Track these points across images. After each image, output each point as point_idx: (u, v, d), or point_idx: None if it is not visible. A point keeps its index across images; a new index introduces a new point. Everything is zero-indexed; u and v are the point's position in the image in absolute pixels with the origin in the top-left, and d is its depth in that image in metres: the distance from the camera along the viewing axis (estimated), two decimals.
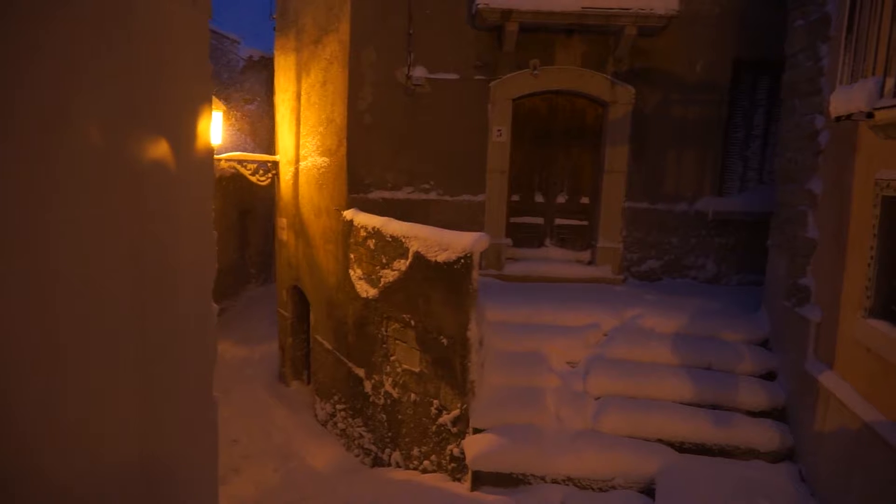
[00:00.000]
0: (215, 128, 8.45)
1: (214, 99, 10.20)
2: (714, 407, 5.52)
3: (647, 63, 7.27)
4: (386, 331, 6.37)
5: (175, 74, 2.34)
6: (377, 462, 6.70)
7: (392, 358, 6.31)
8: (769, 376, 5.80)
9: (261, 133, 13.32)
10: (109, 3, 1.89)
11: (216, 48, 12.25)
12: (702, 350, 5.91)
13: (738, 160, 7.59)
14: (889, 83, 2.94)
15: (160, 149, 2.23)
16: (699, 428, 5.33)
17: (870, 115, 3.08)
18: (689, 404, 5.54)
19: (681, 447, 5.31)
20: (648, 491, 5.00)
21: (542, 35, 7.14)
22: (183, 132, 2.44)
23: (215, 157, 8.77)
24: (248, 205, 12.84)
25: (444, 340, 5.64)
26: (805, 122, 5.45)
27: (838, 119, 3.35)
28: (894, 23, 3.00)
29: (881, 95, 2.98)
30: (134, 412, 2.15)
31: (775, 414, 5.51)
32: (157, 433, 2.31)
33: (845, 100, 3.23)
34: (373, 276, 6.54)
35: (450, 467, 5.67)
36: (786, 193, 5.86)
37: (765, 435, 5.30)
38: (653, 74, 7.29)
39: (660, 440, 5.33)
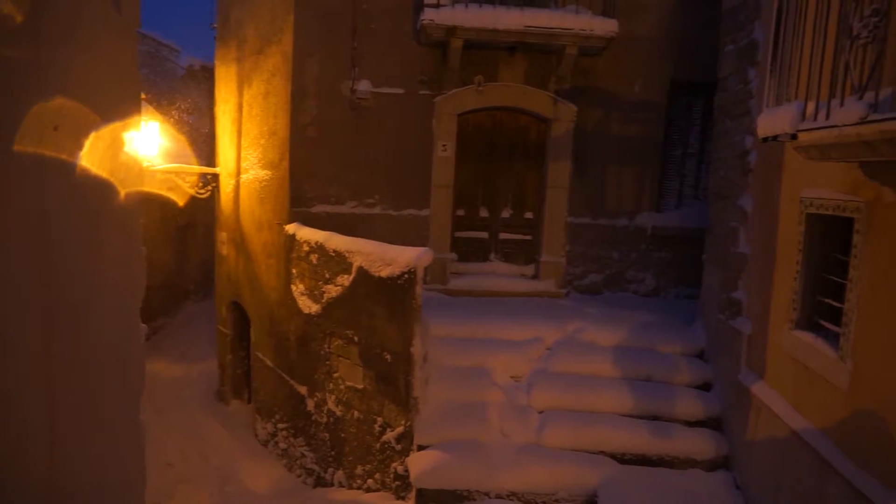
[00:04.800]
0: (151, 138, 8.16)
1: (152, 109, 9.87)
2: (654, 418, 5.64)
3: (589, 82, 7.45)
4: (329, 347, 6.25)
5: (96, 80, 2.23)
6: (320, 482, 6.53)
7: (335, 375, 6.19)
8: (706, 387, 5.97)
9: (201, 144, 12.96)
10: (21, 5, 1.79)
11: (154, 56, 11.89)
12: (642, 362, 6.03)
13: (675, 177, 7.85)
14: (810, 107, 3.08)
15: (77, 157, 2.11)
16: (640, 439, 5.43)
17: (794, 137, 3.22)
18: (630, 416, 5.64)
19: (622, 459, 5.38)
20: (591, 503, 5.04)
21: (486, 52, 7.22)
22: (105, 141, 2.32)
23: (152, 168, 8.46)
24: (188, 218, 12.43)
25: (388, 356, 5.57)
26: (736, 142, 5.69)
27: (765, 140, 3.50)
28: (814, 50, 3.16)
29: (803, 118, 3.13)
30: (42, 442, 2.00)
31: (711, 423, 5.67)
32: (72, 462, 2.17)
33: (771, 122, 3.37)
34: (315, 292, 6.41)
35: (394, 486, 5.58)
36: (719, 210, 6.09)
37: (702, 444, 5.44)
38: (594, 93, 7.47)
39: (602, 452, 5.39)
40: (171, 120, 12.20)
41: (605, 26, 6.79)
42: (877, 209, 3.48)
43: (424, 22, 6.68)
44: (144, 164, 7.55)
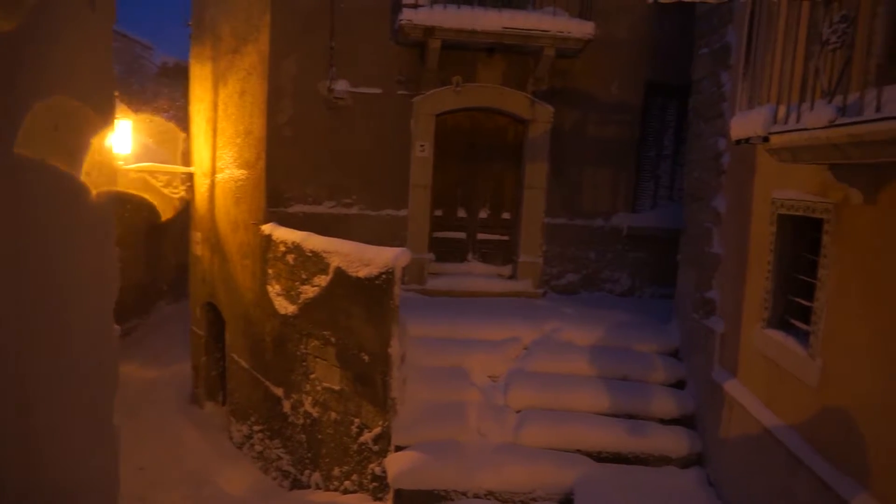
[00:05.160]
0: (124, 137, 8.02)
1: (124, 107, 9.69)
2: (630, 416, 5.71)
3: (566, 83, 7.51)
4: (305, 348, 6.20)
5: (70, 78, 2.19)
6: (296, 484, 6.48)
7: (312, 376, 6.14)
8: (680, 385, 6.06)
9: (175, 143, 12.76)
10: None
11: (127, 54, 11.69)
12: (618, 361, 6.10)
13: (651, 178, 7.95)
14: (782, 110, 3.15)
15: (50, 156, 2.07)
16: (616, 437, 5.49)
17: (765, 139, 3.29)
18: (606, 415, 5.70)
19: (598, 457, 5.44)
20: (567, 501, 5.08)
21: (464, 53, 7.24)
22: (79, 140, 2.28)
23: (125, 167, 8.32)
24: (162, 218, 12.23)
25: (366, 357, 5.55)
26: (709, 144, 5.78)
27: (738, 142, 3.56)
28: (785, 55, 3.23)
29: (775, 121, 3.19)
30: (15, 445, 1.96)
31: (686, 421, 5.76)
32: (45, 467, 2.12)
33: (744, 124, 3.44)
34: (292, 292, 6.36)
35: (371, 487, 5.56)
36: (693, 211, 6.18)
37: (676, 442, 5.52)
38: (571, 94, 7.54)
39: (578, 451, 5.44)
40: (144, 118, 11.99)
41: (582, 28, 6.85)
42: (845, 211, 3.57)
43: (402, 22, 6.67)
44: (118, 163, 7.41)
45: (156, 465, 7.18)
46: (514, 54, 7.30)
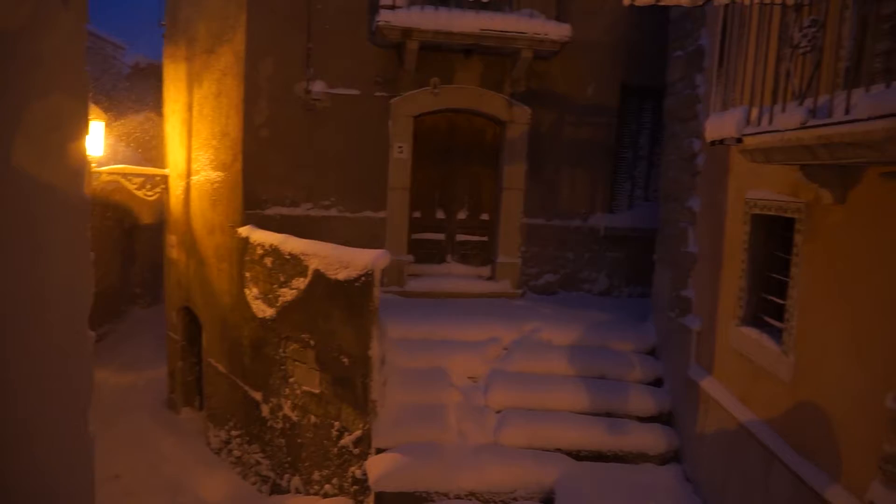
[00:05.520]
0: (96, 138, 7.87)
1: (96, 108, 9.52)
2: (608, 415, 5.76)
3: (543, 85, 7.56)
4: (284, 352, 6.15)
5: (40, 78, 2.14)
6: (276, 489, 6.42)
7: (291, 380, 6.09)
8: (657, 383, 6.14)
9: (149, 145, 12.56)
10: None
11: (98, 53, 11.48)
12: (596, 360, 6.16)
13: (627, 179, 8.04)
14: (754, 112, 3.21)
15: (22, 158, 2.02)
16: (594, 436, 5.54)
17: (739, 141, 3.35)
18: (585, 413, 5.75)
19: (578, 455, 5.48)
20: (548, 500, 5.12)
21: (442, 54, 7.25)
22: (52, 142, 2.23)
23: (97, 169, 8.16)
24: (135, 221, 12.04)
25: (346, 360, 5.53)
26: (684, 145, 5.87)
27: (713, 143, 3.62)
28: (758, 58, 3.30)
29: (748, 123, 3.25)
30: None
31: (663, 418, 5.83)
32: (17, 477, 2.07)
33: (718, 126, 3.50)
34: (270, 296, 6.30)
35: (352, 490, 5.53)
36: (669, 211, 6.27)
37: (654, 439, 5.59)
38: (548, 96, 7.59)
39: (558, 450, 5.47)
40: (117, 119, 11.79)
41: (558, 31, 6.90)
42: (816, 210, 3.65)
43: (380, 23, 6.66)
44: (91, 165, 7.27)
45: (131, 473, 7.05)
46: (492, 56, 7.33)
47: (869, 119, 2.20)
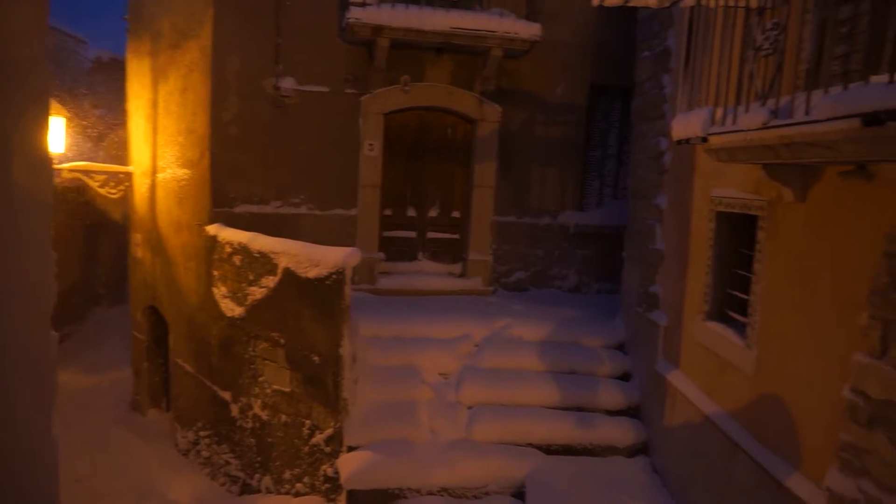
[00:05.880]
0: (57, 135, 7.67)
1: (57, 103, 9.26)
2: (578, 409, 5.85)
3: (514, 84, 7.61)
4: (254, 351, 6.08)
5: (2, 73, 2.09)
6: (246, 489, 6.35)
7: (261, 379, 6.03)
8: (626, 377, 6.25)
9: (112, 142, 12.27)
10: None
11: (59, 48, 11.16)
12: (566, 356, 6.23)
13: (596, 177, 8.16)
14: (719, 112, 3.30)
15: None
16: (565, 430, 5.62)
17: (704, 140, 3.43)
18: (556, 408, 5.82)
19: (549, 449, 5.55)
20: (520, 494, 5.17)
21: (413, 52, 7.24)
22: (12, 139, 2.17)
23: (58, 167, 7.95)
24: (98, 219, 11.73)
25: (316, 358, 5.49)
26: (652, 144, 5.98)
27: (679, 142, 3.70)
28: (722, 59, 3.38)
29: (713, 123, 3.34)
30: None
31: (631, 412, 5.94)
32: None
33: (684, 125, 3.58)
34: (239, 294, 6.23)
35: (324, 488, 5.51)
36: (637, 209, 6.38)
37: (623, 432, 5.69)
38: (518, 95, 7.65)
39: (529, 444, 5.54)
40: (78, 115, 11.48)
41: (528, 30, 6.96)
42: (778, 208, 3.76)
43: (350, 20, 6.62)
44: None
45: (95, 477, 6.89)
46: (463, 54, 7.35)
47: (827, 120, 2.28)
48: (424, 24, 6.72)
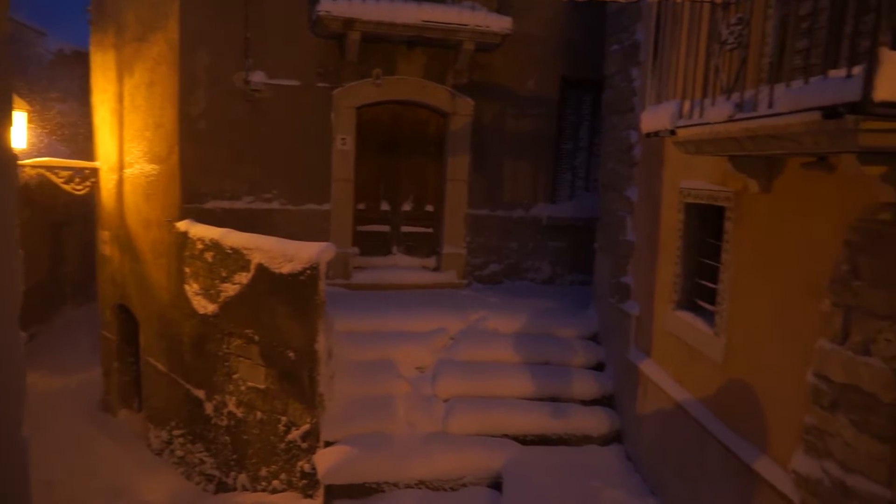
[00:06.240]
0: (18, 130, 7.46)
1: (17, 98, 9.00)
2: (553, 399, 5.92)
3: (486, 77, 7.63)
4: (228, 348, 6.03)
5: None
6: (221, 487, 6.30)
7: (235, 376, 5.98)
8: (599, 367, 6.34)
9: (76, 136, 11.97)
10: None
11: (17, 40, 10.83)
12: (540, 347, 6.30)
13: (568, 170, 8.23)
14: (686, 105, 3.36)
15: None
16: (540, 421, 5.69)
17: (673, 133, 3.50)
18: (531, 399, 5.88)
19: (524, 440, 5.62)
20: (496, 485, 5.23)
21: (385, 45, 7.21)
22: None
23: (19, 163, 7.72)
24: (63, 216, 11.46)
25: (292, 354, 5.47)
26: (622, 137, 6.06)
27: (648, 135, 3.76)
28: (689, 54, 3.44)
29: (681, 116, 3.40)
30: None
31: (605, 401, 6.04)
32: None
33: (653, 118, 3.63)
34: (211, 291, 6.15)
35: (301, 484, 5.49)
36: (608, 201, 6.46)
37: (597, 421, 5.79)
38: (490, 88, 7.67)
39: (505, 435, 5.59)
40: (39, 109, 11.17)
41: (500, 23, 6.98)
42: (743, 199, 3.85)
43: (321, 13, 6.56)
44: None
45: (66, 479, 6.76)
46: (435, 48, 7.34)
47: (789, 113, 2.34)
48: (396, 17, 6.69)
